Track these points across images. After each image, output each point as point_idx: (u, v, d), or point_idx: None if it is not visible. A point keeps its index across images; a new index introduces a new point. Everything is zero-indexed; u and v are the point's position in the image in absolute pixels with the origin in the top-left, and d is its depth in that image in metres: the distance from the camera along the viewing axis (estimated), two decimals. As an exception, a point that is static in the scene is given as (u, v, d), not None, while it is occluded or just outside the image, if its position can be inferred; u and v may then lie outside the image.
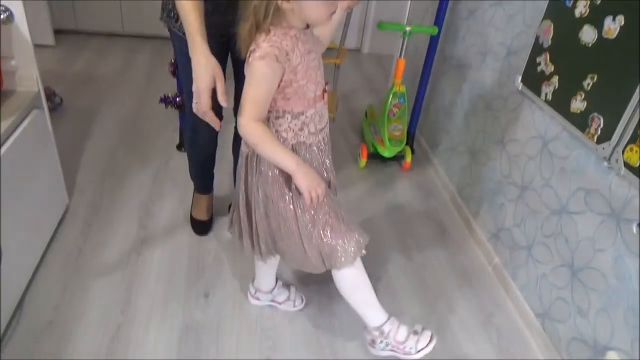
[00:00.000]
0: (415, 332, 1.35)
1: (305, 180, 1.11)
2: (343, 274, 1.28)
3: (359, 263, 1.29)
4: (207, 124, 1.50)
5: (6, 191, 1.39)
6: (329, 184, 1.29)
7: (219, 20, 1.34)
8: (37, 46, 1.61)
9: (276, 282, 1.59)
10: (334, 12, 1.05)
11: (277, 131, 1.15)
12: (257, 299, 1.61)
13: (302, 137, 1.16)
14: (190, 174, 1.88)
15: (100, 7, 3.58)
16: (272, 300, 1.61)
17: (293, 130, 1.15)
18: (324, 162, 1.26)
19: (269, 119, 1.15)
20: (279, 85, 1.07)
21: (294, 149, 1.17)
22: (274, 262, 1.49)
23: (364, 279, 1.30)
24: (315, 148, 1.20)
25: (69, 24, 3.63)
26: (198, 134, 1.67)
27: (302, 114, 1.13)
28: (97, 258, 1.75)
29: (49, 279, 1.64)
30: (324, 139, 1.23)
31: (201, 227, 1.89)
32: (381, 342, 1.34)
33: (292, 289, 1.63)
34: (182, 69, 1.58)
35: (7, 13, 1.48)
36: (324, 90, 1.17)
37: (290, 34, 1.04)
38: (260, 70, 1.03)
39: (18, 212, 1.50)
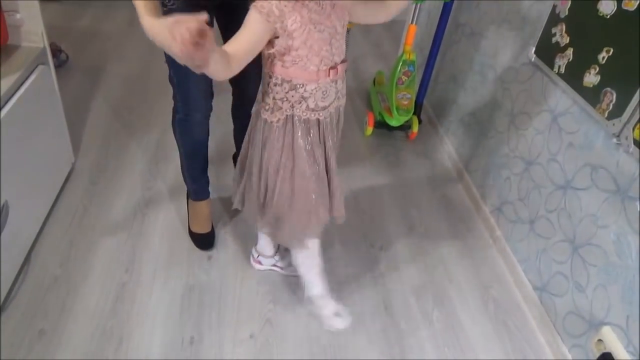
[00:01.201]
0: (338, 314, 1.48)
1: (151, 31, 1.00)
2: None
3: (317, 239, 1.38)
4: (199, 105, 1.44)
5: (12, 147, 1.39)
6: (326, 164, 1.25)
7: None
8: (42, 0, 1.58)
9: (279, 247, 1.60)
10: None
11: (274, 98, 1.12)
12: (259, 262, 1.64)
13: (299, 110, 1.12)
14: (184, 176, 1.68)
15: (106, -39, 3.49)
16: (274, 265, 1.63)
17: (290, 102, 1.11)
18: (323, 142, 1.20)
19: (268, 84, 1.12)
20: (272, 45, 1.03)
21: (288, 120, 1.13)
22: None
23: (316, 254, 1.41)
24: (311, 126, 1.15)
25: (75, -22, 3.55)
26: (189, 117, 1.50)
27: (302, 86, 1.09)
28: (102, 217, 1.77)
29: (55, 236, 1.67)
30: (325, 118, 1.16)
31: (205, 241, 1.71)
32: (310, 303, 1.50)
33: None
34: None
35: (12, -34, 1.45)
36: (333, 67, 1.10)
37: None
38: (249, 17, 1.00)
39: (24, 168, 1.51)
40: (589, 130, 1.41)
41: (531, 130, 1.69)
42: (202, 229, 1.71)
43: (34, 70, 1.58)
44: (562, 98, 1.53)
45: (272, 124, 1.14)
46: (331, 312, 1.48)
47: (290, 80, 1.08)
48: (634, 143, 1.21)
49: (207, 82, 1.43)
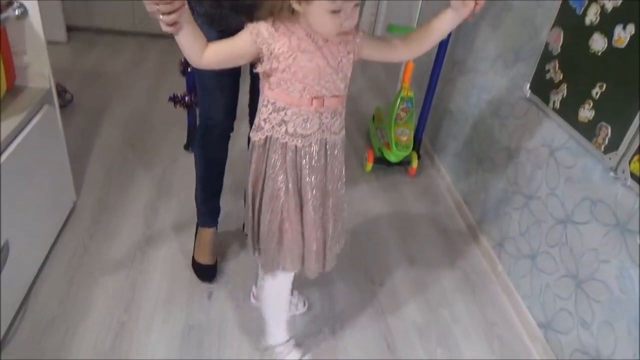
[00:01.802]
0: None
1: None
2: (274, 282, 1.31)
3: (289, 278, 1.33)
4: (220, 119, 1.49)
5: (15, 186, 1.40)
6: (300, 198, 1.17)
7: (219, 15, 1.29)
8: (49, 42, 1.62)
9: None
10: (345, 30, 0.99)
11: (259, 118, 1.14)
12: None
13: (278, 133, 1.11)
14: (195, 199, 1.72)
15: (112, 4, 3.59)
16: (274, 302, 1.61)
17: (271, 123, 1.12)
18: (306, 176, 1.15)
19: (260, 104, 1.14)
20: (261, 64, 1.06)
21: (267, 141, 1.13)
22: None
23: (286, 297, 1.38)
24: (291, 152, 1.13)
25: (81, 21, 3.65)
26: (208, 133, 1.56)
27: (283, 109, 1.10)
28: (102, 256, 1.76)
29: (54, 275, 1.66)
30: (305, 147, 1.12)
31: (206, 273, 1.70)
32: (271, 354, 1.46)
33: (295, 292, 1.63)
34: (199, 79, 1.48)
35: (22, 9, 1.50)
36: (317, 98, 1.08)
37: (292, 29, 1.02)
38: (240, 33, 1.04)
39: (26, 206, 1.51)
40: (586, 164, 1.42)
41: (529, 165, 1.70)
42: (204, 259, 1.71)
43: (39, 110, 1.60)
44: (559, 133, 1.55)
45: (254, 143, 1.16)
46: None
47: (274, 102, 1.10)
48: (632, 176, 1.22)
49: (230, 99, 1.48)
